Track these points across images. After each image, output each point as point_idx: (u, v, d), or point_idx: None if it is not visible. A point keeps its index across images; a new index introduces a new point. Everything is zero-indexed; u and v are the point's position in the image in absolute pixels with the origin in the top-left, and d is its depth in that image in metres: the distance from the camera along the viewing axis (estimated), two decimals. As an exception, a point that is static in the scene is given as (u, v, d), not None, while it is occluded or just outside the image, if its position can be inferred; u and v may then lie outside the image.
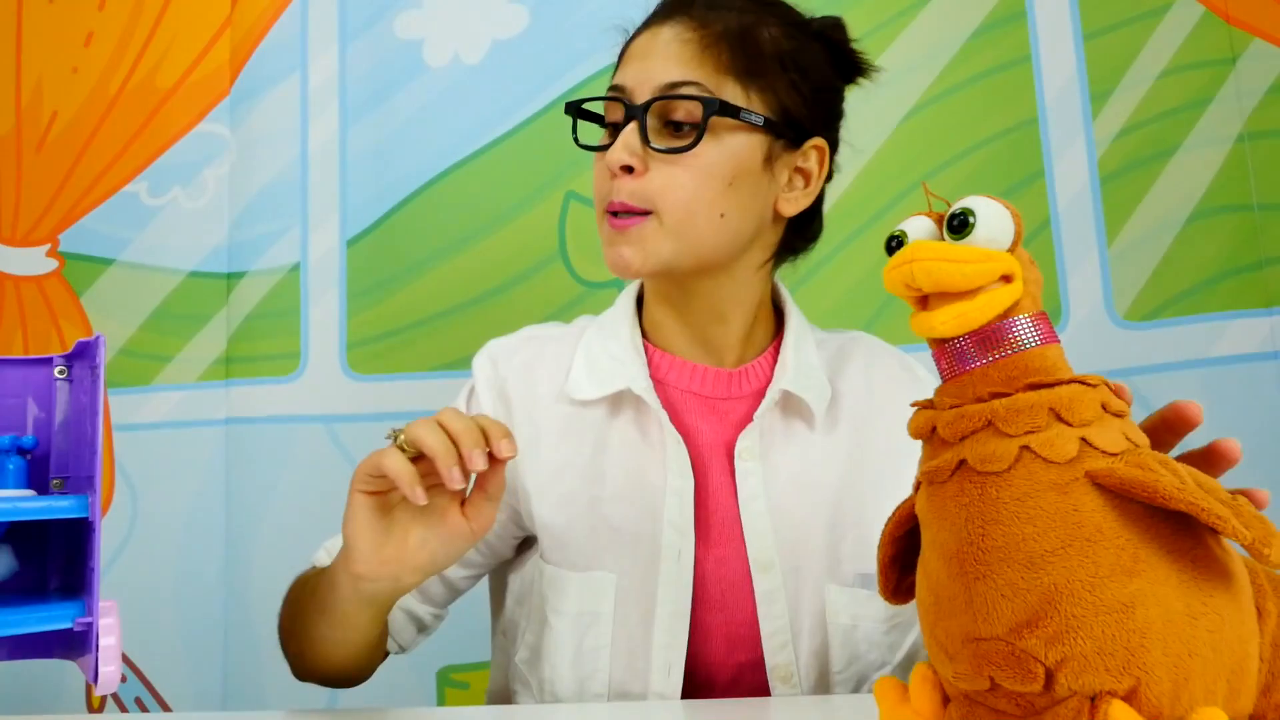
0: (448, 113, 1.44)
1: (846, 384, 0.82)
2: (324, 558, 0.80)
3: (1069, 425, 0.39)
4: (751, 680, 0.75)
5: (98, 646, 0.50)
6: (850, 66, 0.84)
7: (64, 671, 1.39)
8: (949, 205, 0.43)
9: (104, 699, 1.40)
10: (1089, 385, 0.41)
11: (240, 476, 1.40)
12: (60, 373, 0.62)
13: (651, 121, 0.74)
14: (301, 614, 0.77)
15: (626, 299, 0.85)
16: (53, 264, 1.51)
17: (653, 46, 0.76)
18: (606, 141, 0.78)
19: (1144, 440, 0.42)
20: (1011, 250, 0.42)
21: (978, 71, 1.34)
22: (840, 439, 0.79)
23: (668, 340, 0.82)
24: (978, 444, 0.40)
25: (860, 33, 1.34)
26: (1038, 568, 0.38)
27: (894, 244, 0.43)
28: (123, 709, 1.38)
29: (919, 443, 0.49)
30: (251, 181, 1.47)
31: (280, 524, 1.36)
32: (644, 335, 0.83)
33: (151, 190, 1.49)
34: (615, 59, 0.83)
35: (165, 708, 1.37)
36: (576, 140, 0.80)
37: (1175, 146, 1.29)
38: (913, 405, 0.45)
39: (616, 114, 0.77)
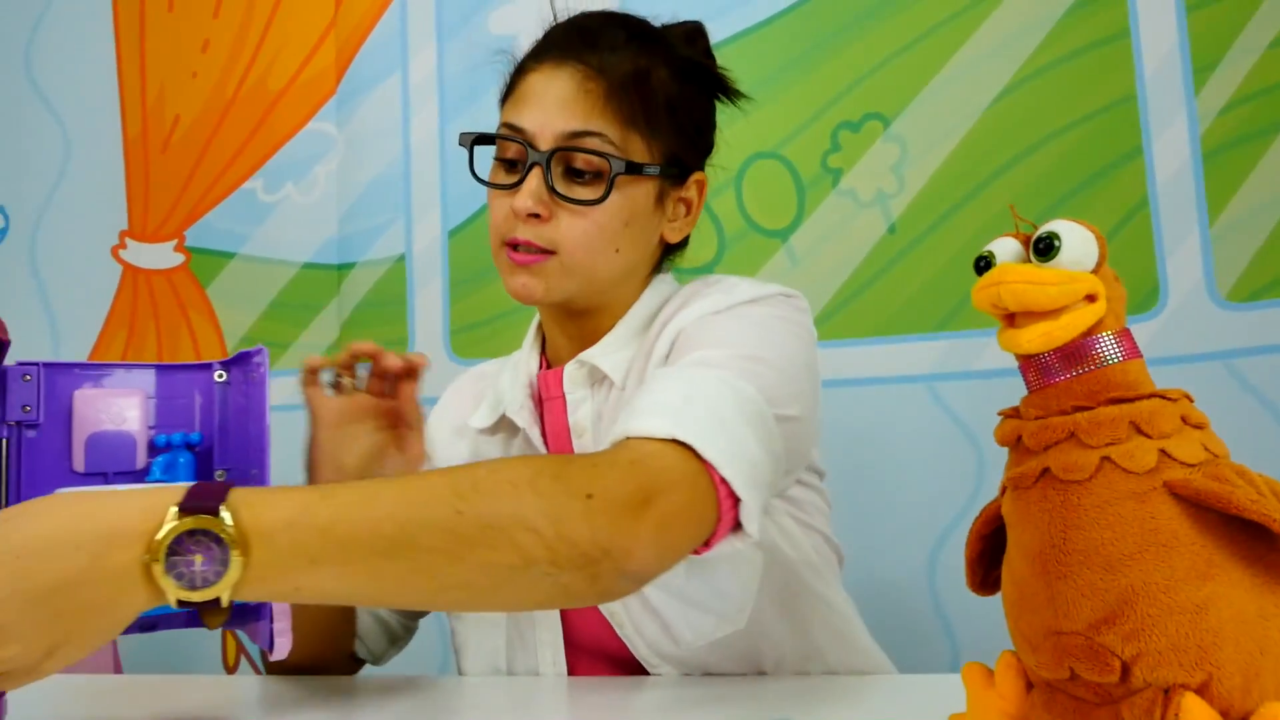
0: (542, 106, 1.49)
1: (654, 330, 0.83)
2: None
3: (1148, 437, 0.42)
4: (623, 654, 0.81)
5: (273, 616, 0.57)
6: (720, 89, 0.88)
7: (200, 637, 1.51)
8: (1035, 228, 0.45)
9: (237, 660, 1.52)
10: (1169, 399, 0.43)
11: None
12: (219, 377, 0.69)
13: (555, 168, 0.77)
14: None
15: (533, 326, 0.94)
16: (180, 258, 1.62)
17: (550, 90, 0.78)
18: (504, 181, 0.80)
19: (1224, 450, 0.44)
20: (1095, 271, 0.44)
21: (1073, 49, 1.32)
22: (633, 386, 0.82)
23: (558, 354, 0.88)
24: (1061, 454, 0.43)
25: (951, 12, 1.35)
26: (1115, 570, 0.41)
27: (982, 264, 0.46)
28: (256, 671, 1.50)
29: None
30: (358, 177, 1.55)
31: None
32: (544, 354, 0.91)
33: (267, 187, 1.59)
34: (504, 92, 0.85)
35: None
36: (473, 172, 0.83)
37: (1283, 121, 1.25)
38: (999, 414, 0.48)
39: (512, 152, 0.80)
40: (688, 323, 0.77)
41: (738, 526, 0.62)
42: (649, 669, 0.79)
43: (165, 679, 0.89)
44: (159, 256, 1.63)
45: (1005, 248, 0.46)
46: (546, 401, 0.87)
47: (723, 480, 0.60)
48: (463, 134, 0.84)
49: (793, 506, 0.83)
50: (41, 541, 0.46)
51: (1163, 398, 0.43)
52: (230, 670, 1.51)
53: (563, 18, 0.86)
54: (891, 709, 0.67)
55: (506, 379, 0.91)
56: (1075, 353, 0.44)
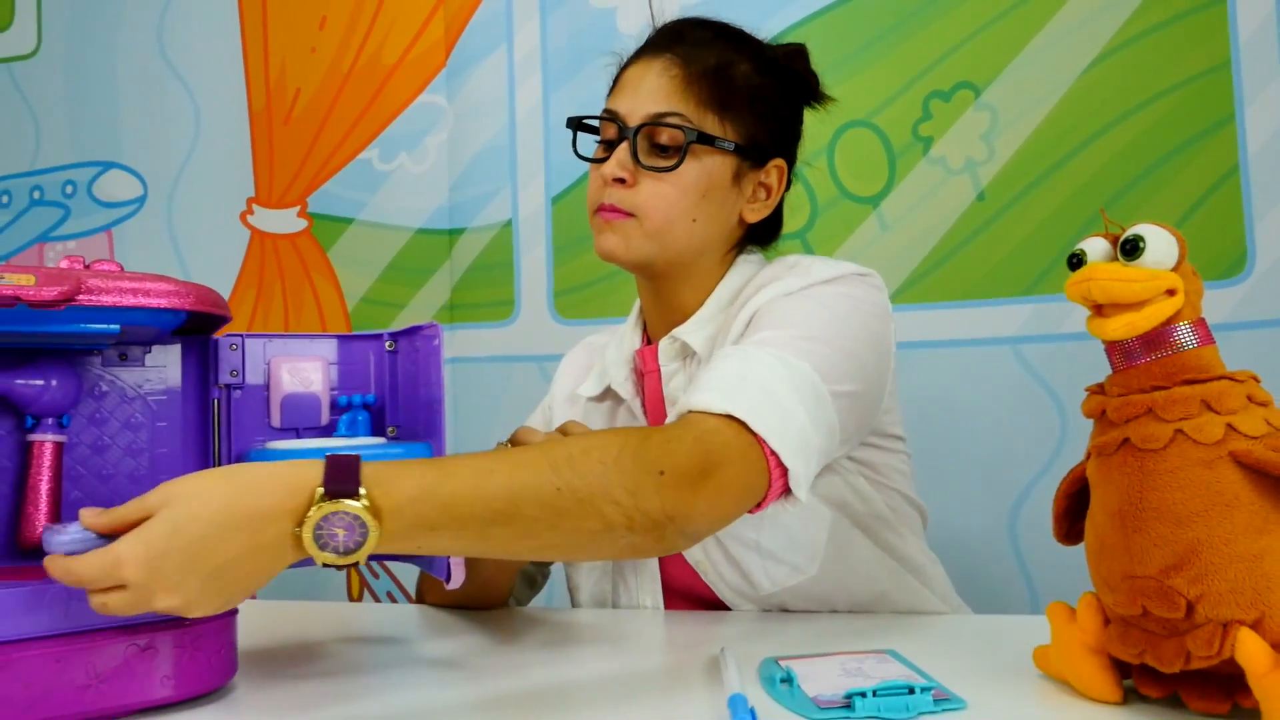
0: (640, 77, 1.56)
1: (736, 309, 0.90)
2: None
3: (1217, 414, 0.49)
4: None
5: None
6: (809, 93, 0.97)
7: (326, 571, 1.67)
8: (1122, 229, 0.52)
9: (362, 591, 1.68)
10: (1237, 381, 0.50)
11: (466, 407, 1.62)
12: (389, 345, 0.80)
13: (641, 143, 0.88)
14: None
15: (636, 305, 1.02)
16: (303, 224, 1.75)
17: (644, 79, 0.90)
18: (602, 155, 0.91)
19: (1286, 424, 0.51)
20: (1176, 268, 0.51)
21: (1166, 17, 1.33)
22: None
23: (655, 330, 0.97)
24: (1140, 426, 0.51)
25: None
26: (1184, 525, 0.48)
27: (1074, 261, 0.53)
28: (376, 600, 1.65)
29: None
30: (468, 147, 1.65)
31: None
32: (645, 331, 1.00)
33: (382, 157, 1.70)
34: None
35: (410, 600, 1.62)
36: (576, 151, 0.94)
37: (1378, 87, 1.26)
38: (1086, 390, 0.56)
39: (610, 133, 0.91)
40: (762, 304, 0.85)
41: (788, 491, 0.72)
42: (732, 608, 0.90)
43: (300, 605, 1.02)
44: (284, 221, 1.76)
45: (1095, 247, 0.53)
46: (645, 375, 0.97)
47: (772, 452, 0.69)
48: (569, 118, 0.95)
49: (866, 469, 0.92)
50: (207, 526, 0.54)
51: (1231, 379, 0.50)
52: (354, 600, 1.66)
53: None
54: (978, 642, 0.75)
55: (612, 353, 1.01)
56: (1155, 339, 0.51)
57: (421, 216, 1.67)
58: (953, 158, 1.41)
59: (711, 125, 0.89)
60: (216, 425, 0.76)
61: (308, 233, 1.74)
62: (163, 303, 0.63)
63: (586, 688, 0.66)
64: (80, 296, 0.61)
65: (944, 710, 0.56)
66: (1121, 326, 0.51)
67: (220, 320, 0.71)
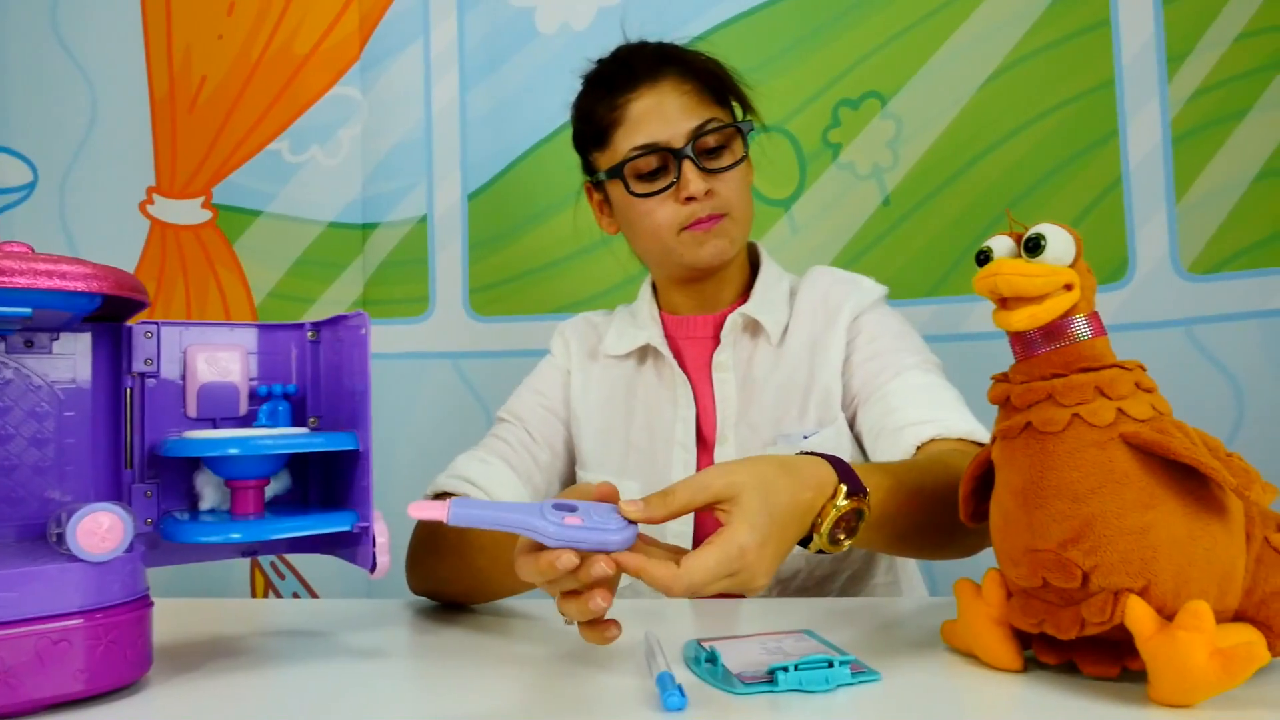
0: (558, 76, 1.56)
1: (802, 307, 1.05)
2: (456, 484, 0.98)
3: (1109, 399, 0.53)
4: None
5: (375, 542, 0.68)
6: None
7: (232, 566, 1.62)
8: (1026, 228, 0.56)
9: (267, 591, 1.64)
10: (1126, 369, 0.55)
11: (378, 405, 1.59)
12: (311, 335, 0.79)
13: (699, 156, 0.98)
14: (468, 555, 0.84)
15: (646, 287, 1.12)
16: (207, 215, 1.69)
17: (662, 104, 0.98)
18: (660, 186, 0.99)
19: (1168, 409, 0.55)
20: (1073, 265, 0.55)
21: (1057, 37, 1.42)
22: (791, 347, 1.03)
23: (677, 305, 1.08)
24: (1040, 411, 0.55)
25: (945, -1, 1.44)
26: (1080, 501, 0.52)
27: (981, 258, 0.57)
28: (279, 596, 1.61)
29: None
30: (382, 141, 1.63)
31: (414, 445, 1.56)
32: (659, 308, 1.10)
33: (292, 149, 1.67)
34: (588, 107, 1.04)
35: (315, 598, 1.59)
36: (632, 191, 1.00)
37: (1247, 108, 1.36)
38: (991, 378, 0.59)
39: (654, 163, 0.99)
40: (860, 313, 1.02)
41: None
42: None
43: (210, 602, 1.00)
44: (186, 212, 1.70)
45: (1001, 244, 0.57)
46: (682, 340, 1.07)
47: None
48: (610, 168, 1.01)
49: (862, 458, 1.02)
50: (786, 516, 0.60)
51: (1121, 367, 0.55)
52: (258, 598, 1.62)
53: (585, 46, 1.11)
54: (888, 621, 0.79)
55: (630, 322, 1.10)
56: (1054, 331, 0.55)
57: (334, 210, 1.65)
58: (860, 164, 1.47)
59: (729, 118, 1.02)
60: (129, 415, 0.74)
61: (212, 224, 1.69)
62: (79, 285, 0.61)
63: (513, 672, 0.67)
64: (-10, 278, 0.58)
65: (860, 682, 0.59)
66: (1024, 318, 0.55)
67: (137, 306, 0.69)
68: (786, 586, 0.99)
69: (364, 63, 1.64)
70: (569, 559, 0.55)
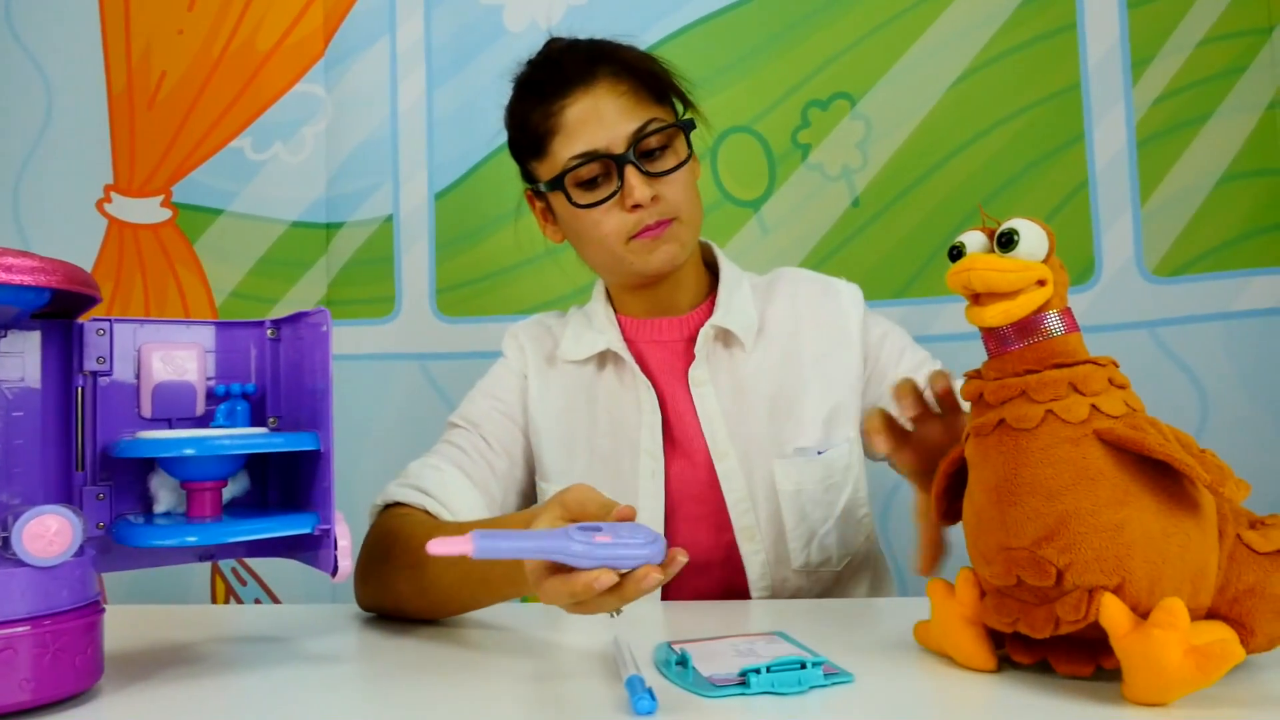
0: (526, 75, 1.56)
1: (774, 310, 1.03)
2: (410, 494, 0.93)
3: (1083, 395, 0.53)
4: (726, 540, 0.98)
5: (336, 545, 0.66)
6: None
7: (192, 572, 1.58)
8: (999, 224, 0.56)
9: (228, 598, 1.60)
10: (1100, 365, 0.54)
11: (342, 407, 1.57)
12: (271, 333, 0.77)
13: (640, 160, 0.94)
14: (432, 571, 0.79)
15: (599, 289, 1.09)
16: (167, 214, 1.66)
17: (598, 108, 0.94)
18: (593, 198, 0.95)
19: (1141, 406, 0.55)
20: (1046, 260, 0.55)
21: (1024, 40, 1.43)
22: (770, 351, 1.01)
23: (632, 309, 1.05)
24: (1014, 408, 0.54)
25: (914, 1, 1.44)
26: (1054, 498, 0.52)
27: (954, 253, 0.56)
28: (240, 603, 1.58)
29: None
30: (347, 139, 1.60)
31: (379, 448, 1.53)
32: (615, 311, 1.06)
33: (255, 146, 1.63)
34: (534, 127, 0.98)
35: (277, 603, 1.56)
36: (574, 203, 0.96)
37: (1210, 112, 1.38)
38: (965, 375, 0.59)
39: (595, 170, 0.95)
40: (866, 325, 1.03)
41: None
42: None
43: (165, 608, 0.97)
44: (145, 211, 1.67)
45: (974, 240, 0.56)
46: (644, 345, 1.04)
47: None
48: (552, 179, 0.96)
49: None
50: None
51: (1094, 363, 0.54)
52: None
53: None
54: (860, 622, 0.78)
55: (586, 325, 1.06)
56: (1027, 326, 0.55)
57: (297, 209, 1.61)
58: (829, 164, 1.47)
59: (670, 116, 0.98)
60: (80, 415, 0.72)
61: (172, 223, 1.65)
62: (26, 279, 0.59)
63: (479, 678, 0.65)
64: (-70, 271, 0.56)
65: (833, 683, 0.58)
66: (998, 314, 0.54)
67: (89, 302, 0.67)
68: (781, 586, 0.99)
69: (329, 59, 1.61)
70: (609, 577, 0.55)
